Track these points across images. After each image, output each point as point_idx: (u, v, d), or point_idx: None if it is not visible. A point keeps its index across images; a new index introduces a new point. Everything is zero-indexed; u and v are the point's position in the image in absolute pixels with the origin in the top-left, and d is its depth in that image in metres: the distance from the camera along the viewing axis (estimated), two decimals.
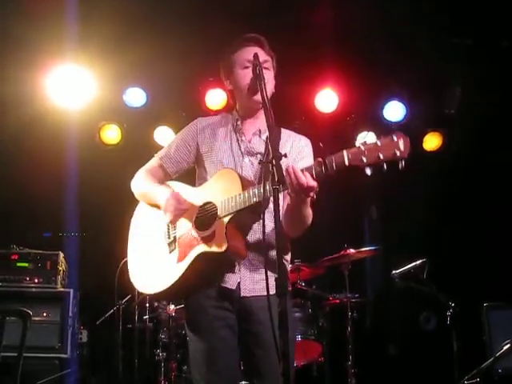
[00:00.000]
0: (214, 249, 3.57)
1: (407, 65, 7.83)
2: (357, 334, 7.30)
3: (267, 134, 3.70)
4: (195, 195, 3.86)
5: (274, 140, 3.32)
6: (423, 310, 8.72)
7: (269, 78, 3.89)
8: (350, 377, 7.10)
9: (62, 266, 7.04)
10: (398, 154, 3.20)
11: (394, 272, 6.76)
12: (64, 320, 6.70)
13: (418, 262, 6.60)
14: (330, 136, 8.31)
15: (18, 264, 6.88)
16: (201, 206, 3.78)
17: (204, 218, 3.74)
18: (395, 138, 3.23)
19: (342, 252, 7.20)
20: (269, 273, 3.29)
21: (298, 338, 7.21)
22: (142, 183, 4.06)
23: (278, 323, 3.01)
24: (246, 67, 3.83)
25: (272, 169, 3.19)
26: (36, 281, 6.83)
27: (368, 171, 3.26)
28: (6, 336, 4.26)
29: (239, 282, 3.72)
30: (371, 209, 9.35)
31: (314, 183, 3.37)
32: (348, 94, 8.23)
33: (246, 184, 3.61)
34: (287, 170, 3.35)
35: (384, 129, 8.45)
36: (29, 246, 7.08)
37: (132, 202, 4.15)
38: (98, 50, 7.43)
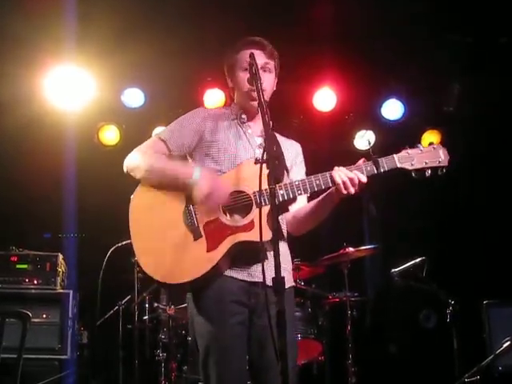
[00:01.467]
0: (257, 238, 3.39)
1: (405, 63, 7.83)
2: (357, 332, 7.30)
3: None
4: None
5: (270, 140, 3.31)
6: (423, 308, 8.72)
7: (268, 80, 3.95)
8: (350, 375, 7.10)
9: (62, 267, 7.03)
10: (440, 162, 3.74)
11: (393, 270, 6.76)
12: (64, 321, 6.69)
13: (417, 260, 6.60)
14: (328, 135, 8.33)
15: (18, 265, 6.87)
16: (230, 194, 3.72)
17: (233, 207, 3.72)
18: (435, 147, 3.79)
19: (342, 251, 7.20)
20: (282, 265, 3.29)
21: (298, 336, 7.20)
22: (156, 157, 3.87)
23: (276, 322, 3.02)
24: (246, 69, 3.84)
25: (268, 168, 3.19)
26: (35, 282, 6.82)
27: (414, 175, 3.73)
28: (6, 337, 4.25)
29: (263, 273, 3.68)
30: (370, 207, 9.35)
31: (364, 179, 3.65)
32: (346, 93, 8.23)
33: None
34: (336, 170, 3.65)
35: (383, 127, 8.46)
36: (28, 248, 7.07)
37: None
38: (96, 51, 7.42)
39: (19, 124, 7.59)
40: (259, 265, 3.50)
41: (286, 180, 3.79)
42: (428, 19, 7.22)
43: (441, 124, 8.44)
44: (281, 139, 4.08)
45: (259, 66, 3.68)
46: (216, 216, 3.68)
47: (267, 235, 3.41)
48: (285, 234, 3.92)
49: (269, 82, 3.95)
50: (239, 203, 3.70)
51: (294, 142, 4.22)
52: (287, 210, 3.90)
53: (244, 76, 3.88)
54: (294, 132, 4.26)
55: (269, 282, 3.43)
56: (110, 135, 8.31)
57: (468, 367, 5.79)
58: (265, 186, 3.32)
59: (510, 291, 6.96)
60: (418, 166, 3.70)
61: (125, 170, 3.95)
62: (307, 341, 7.26)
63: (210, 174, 3.73)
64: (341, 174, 3.63)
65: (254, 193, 3.62)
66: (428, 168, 3.71)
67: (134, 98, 8.15)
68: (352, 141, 8.56)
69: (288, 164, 3.93)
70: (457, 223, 8.45)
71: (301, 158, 4.18)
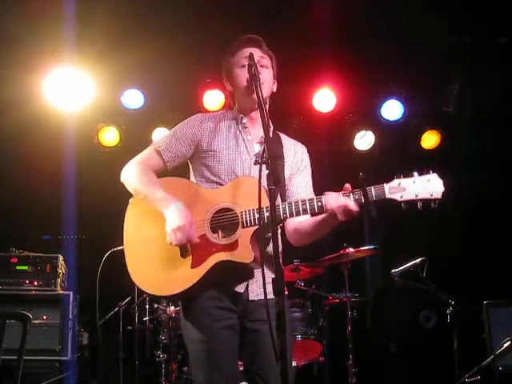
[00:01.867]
0: (239, 258, 3.57)
1: (405, 63, 7.82)
2: (357, 333, 7.30)
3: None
4: (208, 198, 3.81)
5: (269, 140, 3.30)
6: (423, 308, 8.72)
7: (266, 77, 3.92)
8: (350, 376, 7.10)
9: (62, 268, 7.04)
10: (432, 195, 3.57)
11: (393, 271, 6.76)
12: (64, 322, 6.70)
13: (417, 261, 6.60)
14: (328, 135, 8.33)
15: (18, 267, 6.88)
16: (217, 212, 3.74)
17: (221, 224, 3.72)
18: (431, 179, 3.59)
19: (342, 251, 7.21)
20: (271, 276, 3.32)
21: (298, 337, 7.22)
22: (142, 180, 3.88)
23: (276, 323, 3.03)
24: (243, 66, 3.85)
25: (268, 169, 3.19)
26: (36, 284, 6.83)
27: (403, 206, 3.59)
28: (6, 339, 4.25)
29: (247, 287, 3.74)
30: (370, 208, 9.34)
31: (356, 208, 3.59)
32: (346, 93, 8.23)
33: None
34: (335, 200, 3.58)
35: (382, 128, 8.45)
36: (28, 249, 7.08)
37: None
38: (96, 52, 7.42)
39: (19, 126, 7.59)
40: (243, 280, 3.69)
41: (283, 187, 3.86)
42: (428, 19, 7.21)
43: (440, 124, 8.44)
44: (286, 141, 4.10)
45: (256, 63, 3.68)
46: (203, 233, 3.71)
47: (249, 257, 3.52)
48: (278, 251, 3.67)
49: (267, 77, 3.93)
50: (226, 221, 3.71)
51: (299, 145, 4.18)
52: (277, 230, 3.84)
53: (242, 73, 3.89)
54: (293, 133, 4.25)
55: (253, 297, 3.64)
56: (110, 136, 8.31)
57: (468, 367, 5.80)
58: (254, 205, 3.49)
59: (510, 292, 6.97)
60: (407, 197, 3.57)
61: (121, 179, 3.98)
62: (307, 341, 7.27)
63: (184, 215, 3.69)
64: (331, 200, 3.60)
65: (242, 212, 3.64)
66: (419, 200, 3.56)
67: (133, 99, 8.14)
68: (352, 141, 8.56)
69: (288, 168, 3.97)
70: (457, 223, 8.45)
71: (305, 163, 4.12)
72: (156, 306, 7.62)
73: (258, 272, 3.72)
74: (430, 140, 8.48)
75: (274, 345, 3.05)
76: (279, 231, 3.93)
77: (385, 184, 3.58)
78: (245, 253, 3.51)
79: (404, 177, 3.59)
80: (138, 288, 6.77)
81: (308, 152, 4.21)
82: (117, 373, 7.36)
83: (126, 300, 7.40)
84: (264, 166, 3.22)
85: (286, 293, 3.99)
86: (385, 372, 8.32)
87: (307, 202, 3.62)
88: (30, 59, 7.38)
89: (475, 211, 8.35)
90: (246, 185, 3.71)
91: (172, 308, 7.22)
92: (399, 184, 3.57)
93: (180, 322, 7.07)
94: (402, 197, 3.56)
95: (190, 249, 3.71)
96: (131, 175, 3.91)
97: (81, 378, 7.06)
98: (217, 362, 3.65)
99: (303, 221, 3.90)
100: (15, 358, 4.32)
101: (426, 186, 3.57)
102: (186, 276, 3.68)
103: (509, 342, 5.64)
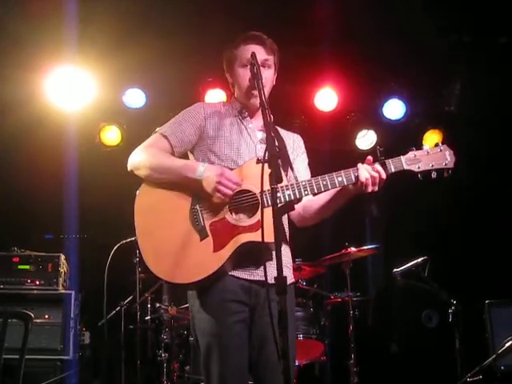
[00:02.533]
0: (261, 239, 3.33)
1: (406, 63, 7.82)
2: (359, 332, 7.31)
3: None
4: None
5: (271, 139, 3.30)
6: (425, 307, 8.72)
7: (268, 76, 3.93)
8: (352, 375, 7.11)
9: (64, 267, 7.03)
10: (446, 164, 3.74)
11: (395, 270, 6.75)
12: (66, 322, 6.69)
13: (419, 260, 6.59)
14: (329, 134, 8.33)
15: (20, 266, 6.87)
16: (235, 194, 3.71)
17: (241, 206, 3.71)
18: (442, 149, 3.77)
19: (343, 251, 7.21)
20: (285, 262, 3.48)
21: (300, 337, 7.21)
22: (157, 157, 3.83)
23: (278, 322, 3.02)
24: (245, 65, 3.85)
25: (270, 168, 3.19)
26: (37, 283, 6.82)
27: (420, 176, 3.74)
28: (8, 338, 4.26)
29: (265, 271, 3.68)
30: (372, 207, 9.36)
31: (384, 175, 3.67)
32: (347, 93, 8.23)
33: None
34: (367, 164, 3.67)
35: (384, 127, 8.46)
36: (30, 248, 7.07)
37: (133, 202, 3.94)
38: (98, 51, 7.42)
39: (21, 125, 7.59)
40: (261, 264, 3.57)
41: (290, 175, 3.86)
42: (428, 19, 7.21)
43: (442, 124, 8.44)
44: (282, 132, 4.11)
45: (259, 62, 3.68)
46: (222, 215, 3.69)
47: (271, 237, 3.36)
48: (287, 234, 3.93)
49: (268, 77, 3.93)
50: (246, 202, 3.70)
51: (295, 135, 4.22)
52: (293, 209, 3.88)
53: (243, 73, 3.89)
54: (295, 132, 4.24)
55: (270, 281, 3.45)
56: (112, 136, 8.31)
57: (470, 367, 5.80)
58: (267, 186, 3.30)
59: None
60: (424, 168, 3.71)
61: (129, 168, 3.94)
62: (309, 341, 7.26)
63: (215, 166, 3.73)
64: (365, 171, 3.66)
65: (260, 192, 3.54)
66: (434, 170, 3.72)
67: (135, 98, 8.15)
68: (353, 140, 8.56)
69: (291, 157, 3.98)
70: (458, 223, 8.45)
71: (302, 149, 4.18)
72: (158, 305, 7.62)
73: (273, 256, 3.64)
74: (431, 139, 8.47)
75: (275, 342, 3.05)
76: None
77: (401, 156, 3.72)
78: (266, 233, 3.33)
79: (417, 149, 3.75)
80: (139, 287, 6.80)
81: (309, 151, 4.23)
82: (118, 372, 7.35)
83: (128, 299, 7.41)
84: (266, 165, 3.21)
85: (294, 280, 4.01)
86: (386, 371, 8.31)
87: (342, 174, 3.69)
88: (31, 59, 7.39)
89: (477, 211, 8.35)
90: (256, 167, 3.59)
91: (174, 307, 7.22)
92: (415, 156, 3.71)
93: (182, 321, 7.12)
94: (418, 167, 3.71)
95: (210, 232, 3.67)
96: (143, 157, 3.87)
97: (82, 378, 7.05)
98: (229, 356, 3.64)
99: (314, 198, 3.90)
100: (17, 357, 4.33)
101: (439, 156, 3.75)
102: (209, 261, 3.63)
103: (511, 342, 5.64)
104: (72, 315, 6.73)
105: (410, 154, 3.71)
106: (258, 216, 3.60)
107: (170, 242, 3.71)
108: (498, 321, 6.79)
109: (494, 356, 5.81)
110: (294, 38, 7.02)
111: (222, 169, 3.67)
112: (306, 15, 7.19)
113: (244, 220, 3.68)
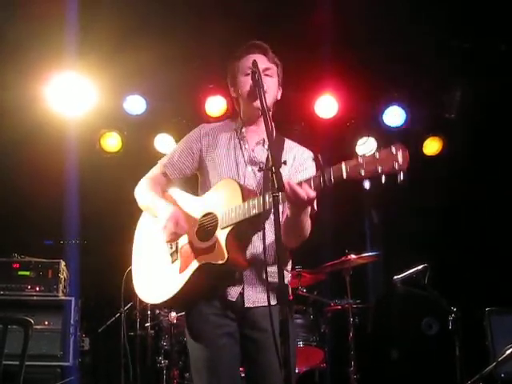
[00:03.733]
0: (214, 260, 3.57)
1: (406, 70, 7.83)
2: (359, 339, 7.30)
3: None
4: (196, 205, 3.88)
5: (274, 148, 3.31)
6: (425, 315, 8.71)
7: (270, 85, 3.92)
8: (352, 382, 7.09)
9: (64, 274, 7.03)
10: (396, 166, 3.19)
11: (395, 277, 6.74)
12: (66, 328, 6.68)
13: (419, 267, 6.58)
14: (330, 141, 8.31)
15: (20, 272, 6.88)
16: (202, 217, 3.79)
17: (205, 228, 3.75)
18: (394, 150, 3.22)
19: (344, 258, 7.21)
20: (271, 282, 3.46)
21: (300, 344, 7.21)
22: (144, 194, 4.04)
23: (280, 331, 3.04)
24: (248, 74, 3.83)
25: (272, 176, 3.20)
26: (37, 289, 6.82)
27: (366, 184, 3.29)
28: (8, 344, 4.24)
29: (242, 293, 3.72)
30: (372, 214, 9.35)
31: (313, 194, 3.39)
32: (348, 100, 8.23)
33: (247, 194, 3.62)
34: (285, 184, 3.33)
35: (384, 134, 8.46)
36: (30, 255, 7.08)
37: (132, 209, 4.14)
38: (98, 58, 7.43)
39: (21, 131, 7.59)
40: (235, 285, 3.69)
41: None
42: (429, 26, 7.23)
43: (442, 131, 8.45)
44: (289, 145, 4.07)
45: (261, 70, 3.68)
46: (190, 238, 3.79)
47: (222, 257, 3.53)
48: (272, 251, 3.69)
49: (270, 85, 3.92)
50: (209, 225, 3.75)
51: (302, 150, 4.10)
52: (259, 227, 3.66)
53: (245, 80, 3.88)
54: (295, 139, 4.22)
55: (249, 304, 3.66)
56: (112, 142, 8.32)
57: (470, 374, 5.77)
58: (231, 206, 3.57)
59: None
60: (368, 174, 3.25)
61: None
62: (309, 348, 7.26)
63: (172, 213, 3.81)
64: (287, 190, 3.37)
65: (220, 214, 3.66)
66: (381, 174, 3.22)
67: (135, 105, 8.15)
68: (353, 147, 8.56)
69: (286, 171, 3.84)
70: (459, 230, 8.45)
71: (306, 166, 4.00)
72: (158, 311, 7.63)
73: (254, 278, 3.73)
74: (431, 146, 8.49)
75: (277, 352, 3.05)
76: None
77: (343, 162, 3.36)
78: (219, 253, 3.53)
79: (365, 155, 3.31)
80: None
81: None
82: (118, 379, 7.34)
83: (128, 306, 7.39)
84: (269, 173, 3.25)
85: (291, 298, 4.02)
86: (387, 379, 8.31)
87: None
88: (32, 65, 7.39)
89: (477, 218, 8.34)
90: (225, 187, 3.74)
91: (173, 314, 7.22)
92: (359, 162, 3.30)
93: (181, 328, 7.14)
94: (361, 174, 3.28)
95: (180, 254, 3.79)
96: (138, 191, 4.10)
97: None
98: (216, 370, 3.66)
99: (284, 219, 3.71)
100: (17, 363, 4.32)
101: (389, 158, 3.22)
102: (174, 281, 3.75)
103: (511, 349, 5.61)
104: (72, 321, 6.73)
105: (353, 161, 3.33)
106: (214, 238, 3.64)
107: (149, 266, 3.99)
108: (499, 328, 6.78)
109: (495, 363, 5.77)
110: (294, 45, 7.02)
111: (171, 215, 3.78)
112: (306, 22, 7.20)
113: (202, 242, 3.72)
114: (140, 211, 4.16)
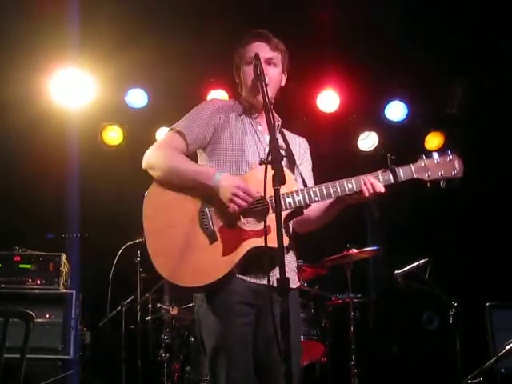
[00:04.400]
0: (270, 244, 3.33)
1: (408, 65, 7.82)
2: (359, 334, 7.31)
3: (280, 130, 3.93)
4: None
5: (275, 140, 3.30)
6: (426, 309, 8.72)
7: (273, 75, 3.92)
8: (352, 377, 7.10)
9: (65, 267, 7.03)
10: (455, 173, 3.83)
11: (396, 272, 6.75)
12: (67, 321, 6.68)
13: (420, 262, 6.60)
14: (331, 136, 8.33)
15: (21, 266, 6.87)
16: None
17: (250, 210, 3.68)
18: (451, 158, 3.83)
19: (345, 252, 7.21)
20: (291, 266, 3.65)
21: (301, 338, 7.20)
22: (173, 158, 3.82)
23: (280, 322, 3.04)
24: (250, 63, 3.80)
25: (274, 169, 3.20)
26: (38, 282, 6.81)
27: (429, 185, 3.79)
28: (9, 338, 4.25)
29: (268, 277, 3.59)
30: (373, 209, 9.33)
31: (383, 189, 3.72)
32: (349, 94, 8.23)
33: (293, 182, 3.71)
34: (365, 180, 3.68)
35: (386, 129, 8.46)
36: (31, 248, 7.07)
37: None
38: (100, 52, 7.44)
39: (23, 125, 7.59)
40: (269, 269, 3.54)
41: (299, 179, 3.87)
42: (430, 22, 7.22)
43: (444, 126, 8.45)
44: (289, 135, 4.11)
45: (263, 60, 3.69)
46: (232, 220, 3.67)
47: (275, 242, 3.34)
48: (291, 237, 3.90)
49: (273, 75, 3.92)
50: (255, 207, 3.67)
51: (301, 139, 4.22)
52: (302, 215, 3.85)
53: (248, 70, 3.87)
54: (297, 133, 4.23)
55: (293, 285, 3.65)
56: (113, 135, 8.33)
57: (470, 369, 5.78)
58: (283, 190, 3.41)
59: None
60: (433, 177, 3.76)
61: (144, 166, 3.90)
62: (310, 342, 7.25)
63: (232, 177, 3.72)
64: (366, 180, 3.69)
65: (271, 197, 3.47)
66: (442, 179, 3.78)
67: (137, 98, 8.16)
68: (355, 142, 8.57)
69: (297, 162, 3.97)
70: (460, 225, 8.45)
71: (308, 154, 4.19)
72: (159, 305, 7.62)
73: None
74: (433, 141, 8.48)
75: (278, 344, 3.05)
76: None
77: (411, 164, 3.76)
78: (273, 238, 3.27)
79: (426, 158, 3.78)
80: (140, 287, 6.79)
81: (311, 152, 4.23)
82: (119, 372, 7.35)
83: (129, 299, 7.40)
84: (269, 167, 3.22)
85: (298, 285, 4.02)
86: (387, 373, 8.31)
87: (339, 183, 3.70)
88: (35, 59, 7.41)
89: (479, 213, 8.34)
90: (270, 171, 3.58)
91: (175, 308, 7.22)
92: (424, 164, 3.75)
93: (182, 321, 7.12)
94: (428, 176, 3.76)
95: (220, 236, 3.66)
96: (160, 158, 3.85)
97: (83, 378, 7.05)
98: (236, 358, 3.64)
99: (315, 204, 3.85)
100: (18, 356, 4.32)
101: (448, 165, 3.81)
102: (217, 265, 3.62)
103: (511, 344, 5.61)
104: (73, 315, 6.72)
105: (420, 162, 3.77)
106: (267, 221, 3.51)
107: (179, 245, 3.69)
108: (499, 323, 6.78)
109: (495, 358, 5.77)
110: (296, 40, 6.97)
111: (239, 181, 3.67)
112: (308, 17, 7.20)
113: (253, 225, 3.67)
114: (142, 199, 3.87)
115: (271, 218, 3.42)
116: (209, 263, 3.63)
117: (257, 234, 3.62)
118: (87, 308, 7.23)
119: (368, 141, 8.59)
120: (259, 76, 3.55)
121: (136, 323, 7.52)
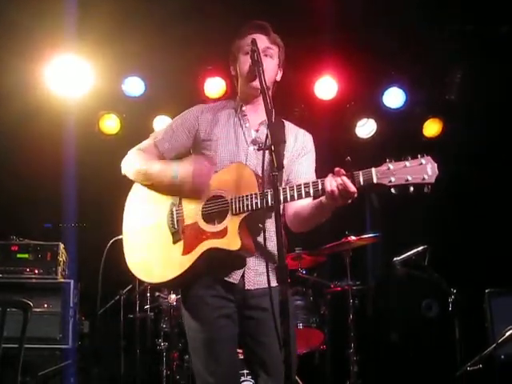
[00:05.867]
0: (226, 246, 3.54)
1: (407, 51, 7.80)
2: (358, 321, 7.30)
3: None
4: None
5: (273, 126, 3.27)
6: (425, 296, 8.72)
7: (269, 65, 3.88)
8: (351, 364, 7.11)
9: (63, 256, 7.03)
10: (425, 179, 3.37)
11: (395, 259, 6.73)
12: (65, 311, 6.68)
13: (419, 249, 6.58)
14: (329, 123, 8.30)
15: (18, 255, 6.87)
16: (209, 200, 3.72)
17: (212, 211, 3.70)
18: (424, 162, 3.38)
19: (343, 239, 7.20)
20: (270, 264, 3.48)
21: (300, 326, 7.21)
22: (141, 161, 3.91)
23: (279, 311, 3.03)
24: (247, 53, 3.78)
25: (271, 155, 3.18)
26: (36, 272, 6.81)
27: (393, 191, 3.39)
28: (7, 327, 4.24)
29: (243, 276, 3.71)
30: (372, 196, 9.33)
31: (354, 188, 3.40)
32: (347, 81, 8.20)
33: (260, 182, 3.58)
34: (335, 175, 3.42)
35: (384, 115, 8.44)
36: (29, 237, 7.07)
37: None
38: (97, 40, 7.40)
39: (20, 114, 7.56)
40: (236, 268, 3.67)
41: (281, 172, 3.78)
42: (429, 8, 7.19)
43: (442, 112, 8.42)
44: (289, 127, 4.04)
45: (260, 50, 3.64)
46: (195, 220, 3.71)
47: (236, 244, 3.51)
48: (273, 235, 3.70)
49: (269, 67, 3.88)
50: (217, 209, 3.69)
51: (301, 133, 4.10)
52: (269, 217, 3.74)
53: (245, 59, 3.85)
54: (295, 121, 4.20)
55: (249, 286, 3.65)
56: (111, 124, 8.31)
57: (470, 356, 5.79)
58: (244, 192, 3.55)
59: None
60: (397, 182, 3.36)
61: (122, 172, 4.01)
62: (309, 330, 7.26)
63: (187, 162, 3.76)
64: (332, 182, 3.43)
65: (232, 199, 3.60)
66: (410, 184, 3.36)
67: (134, 86, 8.12)
68: (353, 129, 8.55)
69: (288, 155, 3.89)
70: (459, 212, 8.44)
71: (308, 149, 4.04)
72: (157, 294, 7.62)
73: (254, 261, 3.73)
74: (431, 128, 8.46)
75: (277, 332, 3.06)
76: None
77: (373, 168, 3.40)
78: (232, 240, 3.51)
79: (396, 161, 3.39)
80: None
81: None
82: (117, 361, 7.36)
83: (127, 288, 7.40)
84: (267, 152, 3.22)
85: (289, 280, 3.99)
86: (386, 360, 8.32)
87: (310, 184, 3.52)
88: (31, 47, 7.37)
89: (477, 199, 8.33)
90: (237, 171, 3.68)
91: (173, 296, 7.21)
92: (389, 168, 3.37)
93: (181, 310, 7.12)
94: (391, 181, 3.37)
95: (182, 236, 3.72)
96: (130, 162, 3.97)
97: (81, 367, 7.06)
98: (215, 350, 3.65)
99: (305, 205, 3.80)
100: (16, 346, 4.31)
101: (419, 170, 3.38)
102: (177, 263, 3.69)
103: (511, 331, 5.61)
104: (71, 304, 6.73)
105: (383, 166, 3.38)
106: (226, 222, 3.60)
107: (147, 244, 3.85)
108: (498, 310, 6.78)
109: (494, 345, 5.78)
110: (293, 27, 6.97)
111: (195, 162, 3.73)
112: (305, 4, 7.16)
113: (212, 226, 3.67)
114: None
115: (230, 219, 3.56)
116: (169, 262, 3.73)
117: (214, 235, 3.64)
118: (85, 297, 7.22)
119: (366, 128, 8.57)
120: (256, 62, 3.52)
121: (134, 312, 7.52)
